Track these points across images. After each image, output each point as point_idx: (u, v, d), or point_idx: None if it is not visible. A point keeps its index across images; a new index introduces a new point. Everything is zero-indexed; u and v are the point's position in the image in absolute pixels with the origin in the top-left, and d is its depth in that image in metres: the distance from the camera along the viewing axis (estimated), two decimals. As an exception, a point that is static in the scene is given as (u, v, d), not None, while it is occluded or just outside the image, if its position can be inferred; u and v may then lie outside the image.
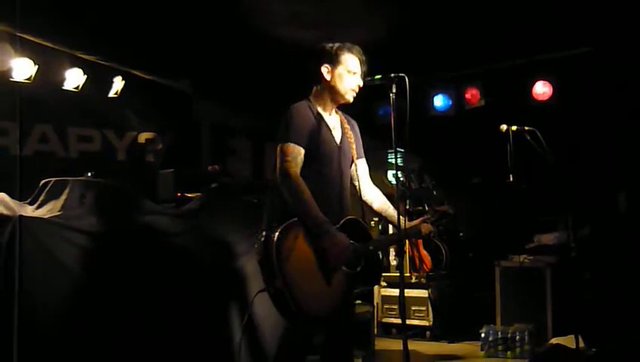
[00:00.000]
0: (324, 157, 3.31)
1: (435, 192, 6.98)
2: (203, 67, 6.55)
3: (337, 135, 3.43)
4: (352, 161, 3.49)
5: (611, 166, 6.18)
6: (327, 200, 3.24)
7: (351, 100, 3.41)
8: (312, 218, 3.10)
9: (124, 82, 6.65)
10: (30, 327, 3.51)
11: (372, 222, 6.48)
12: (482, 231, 6.92)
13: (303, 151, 3.22)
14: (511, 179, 4.41)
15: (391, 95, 3.20)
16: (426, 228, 3.59)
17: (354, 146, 3.49)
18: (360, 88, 3.40)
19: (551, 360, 4.77)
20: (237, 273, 4.33)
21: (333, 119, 3.45)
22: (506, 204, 6.53)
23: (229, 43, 5.97)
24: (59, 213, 3.97)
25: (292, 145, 3.20)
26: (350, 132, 3.50)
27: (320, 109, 3.39)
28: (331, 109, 3.45)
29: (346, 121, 3.53)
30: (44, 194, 4.20)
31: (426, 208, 6.83)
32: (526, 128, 4.29)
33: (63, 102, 6.50)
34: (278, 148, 3.22)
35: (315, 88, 3.43)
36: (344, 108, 3.52)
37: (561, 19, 5.47)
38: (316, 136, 3.29)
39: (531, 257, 6.00)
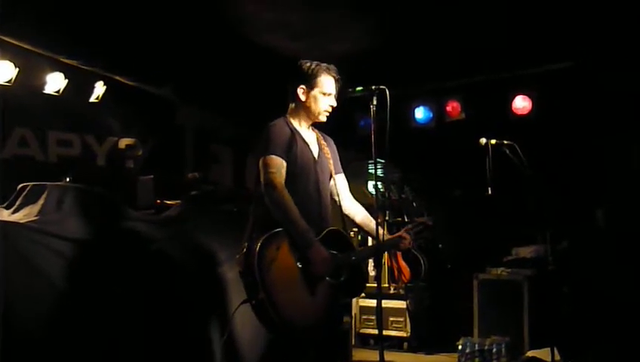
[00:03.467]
0: (302, 172, 3.37)
1: (414, 203, 7.01)
2: (186, 74, 6.53)
3: (314, 149, 3.50)
4: (331, 176, 3.55)
5: (590, 181, 6.24)
6: (307, 213, 3.26)
7: (324, 120, 3.51)
8: (298, 228, 3.13)
9: (105, 87, 6.62)
10: (5, 331, 3.47)
11: (352, 233, 6.48)
12: (461, 243, 6.95)
13: (284, 163, 3.28)
14: (489, 192, 4.44)
15: (371, 107, 3.25)
16: (407, 240, 3.62)
17: (331, 162, 3.56)
18: (333, 108, 3.48)
19: (527, 373, 4.80)
20: (217, 281, 4.31)
21: (309, 135, 3.53)
22: (485, 216, 6.57)
23: (213, 50, 5.97)
24: (35, 218, 3.93)
25: (275, 157, 3.26)
26: (327, 148, 3.59)
27: (296, 125, 3.47)
28: (307, 126, 3.54)
29: (322, 137, 3.62)
30: (21, 198, 4.15)
31: (406, 219, 6.86)
32: (505, 142, 4.33)
33: (44, 106, 6.44)
34: (261, 161, 3.27)
35: (290, 105, 3.50)
36: (321, 124, 3.57)
37: (541, 34, 5.53)
38: (294, 151, 3.35)
39: (509, 270, 6.03)
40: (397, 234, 3.64)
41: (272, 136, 3.31)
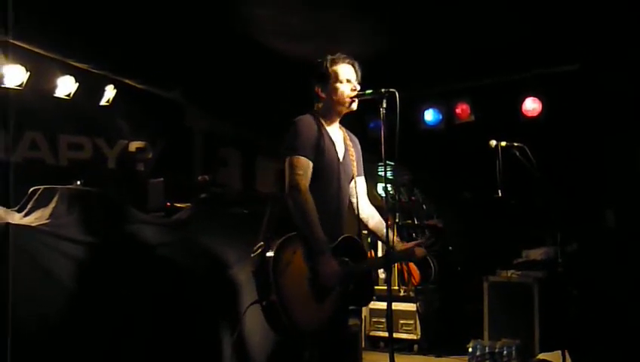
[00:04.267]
0: (325, 172, 3.31)
1: (424, 206, 7.01)
2: (195, 77, 6.56)
3: (340, 150, 3.44)
4: (352, 178, 3.50)
5: (600, 182, 6.22)
6: (326, 215, 3.23)
7: (354, 108, 3.41)
8: (314, 235, 3.10)
9: (115, 91, 6.65)
10: (16, 334, 3.49)
11: (362, 235, 6.48)
12: (471, 245, 6.93)
13: (311, 164, 3.23)
14: (500, 194, 4.43)
15: (381, 110, 3.22)
16: (419, 251, 3.58)
17: (355, 163, 3.50)
18: (357, 92, 3.38)
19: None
20: (227, 283, 4.31)
21: (336, 134, 3.46)
22: (494, 218, 6.55)
23: (222, 53, 5.99)
24: (47, 221, 3.94)
25: (302, 158, 3.20)
26: (352, 149, 3.51)
27: (324, 123, 3.40)
28: (335, 123, 3.46)
29: (348, 137, 3.55)
30: (32, 201, 4.18)
31: (416, 221, 6.86)
32: (515, 144, 4.32)
33: (54, 109, 6.49)
34: (287, 161, 3.21)
35: (317, 105, 3.45)
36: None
37: (551, 36, 5.52)
38: (320, 150, 3.29)
39: (519, 272, 6.02)
40: (409, 246, 3.58)
41: (301, 134, 3.24)
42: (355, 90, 3.37)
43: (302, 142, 3.22)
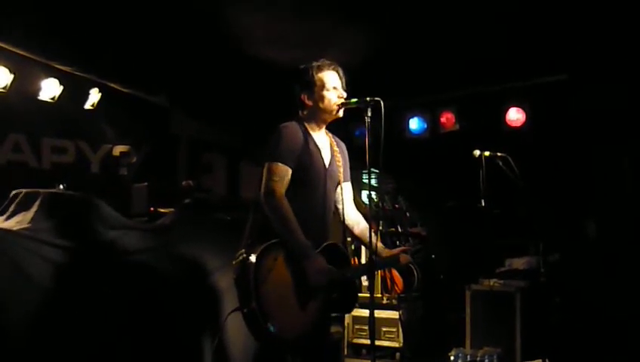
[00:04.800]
0: (311, 179, 3.32)
1: (408, 214, 7.02)
2: (181, 82, 6.55)
3: (326, 156, 3.44)
4: (338, 184, 3.50)
5: (582, 193, 6.27)
6: (311, 221, 3.24)
7: (340, 115, 3.42)
8: (295, 240, 3.10)
9: (100, 94, 6.62)
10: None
11: (347, 242, 6.48)
12: (454, 254, 6.95)
13: (290, 171, 3.23)
14: (483, 203, 4.46)
15: (366, 118, 3.23)
16: (404, 258, 3.59)
17: (341, 169, 3.50)
18: (343, 99, 3.38)
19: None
20: (209, 290, 4.30)
21: (323, 140, 3.47)
22: (478, 227, 6.58)
23: (207, 59, 5.98)
24: (28, 226, 3.91)
25: (280, 164, 3.21)
26: (339, 155, 3.52)
27: (309, 129, 3.40)
28: (321, 129, 3.47)
29: (335, 143, 3.55)
30: (14, 205, 4.14)
31: (399, 229, 6.87)
32: (499, 154, 4.35)
33: (38, 112, 6.44)
34: (266, 167, 3.22)
35: (301, 112, 3.45)
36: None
37: (536, 46, 5.57)
38: (305, 157, 3.30)
39: (502, 281, 6.04)
40: (393, 253, 3.59)
41: (283, 141, 3.24)
42: (341, 97, 3.37)
43: (283, 149, 3.23)
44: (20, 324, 3.62)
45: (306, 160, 3.30)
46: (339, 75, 3.42)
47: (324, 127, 3.49)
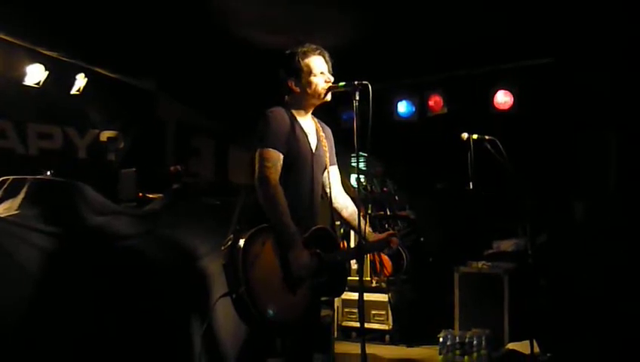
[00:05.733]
0: (298, 164, 3.31)
1: (396, 197, 7.05)
2: (168, 66, 6.51)
3: (313, 141, 3.43)
4: (325, 168, 3.50)
5: (570, 175, 6.31)
6: (299, 206, 3.24)
7: (328, 99, 3.40)
8: (284, 228, 3.09)
9: (86, 79, 6.56)
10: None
11: (335, 226, 6.50)
12: (442, 236, 7.00)
13: (282, 156, 3.21)
14: (471, 186, 4.48)
15: (354, 102, 3.23)
16: (394, 242, 3.60)
17: (327, 153, 3.49)
18: (329, 87, 3.37)
19: (506, 365, 4.86)
20: (198, 275, 4.30)
21: (309, 125, 3.45)
22: (466, 210, 6.62)
23: (194, 43, 5.95)
24: (16, 212, 3.89)
25: (272, 150, 3.19)
26: (325, 140, 3.50)
27: (296, 114, 3.39)
28: (307, 114, 3.45)
29: (321, 128, 3.53)
30: (1, 191, 4.11)
31: (388, 212, 6.90)
32: (486, 137, 4.36)
33: (24, 97, 6.38)
34: (257, 153, 3.20)
35: (287, 97, 3.43)
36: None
37: (524, 29, 5.58)
38: (292, 142, 3.28)
39: (490, 263, 6.09)
40: (382, 237, 3.60)
41: (271, 126, 3.23)
42: (328, 81, 3.36)
43: (272, 134, 3.21)
44: (8, 311, 3.60)
45: (293, 145, 3.29)
46: (325, 59, 3.40)
47: (311, 111, 3.48)
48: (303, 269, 3.12)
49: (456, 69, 6.59)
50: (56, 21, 5.51)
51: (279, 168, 3.20)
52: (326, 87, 3.36)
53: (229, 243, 3.09)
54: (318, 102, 3.42)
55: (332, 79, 3.37)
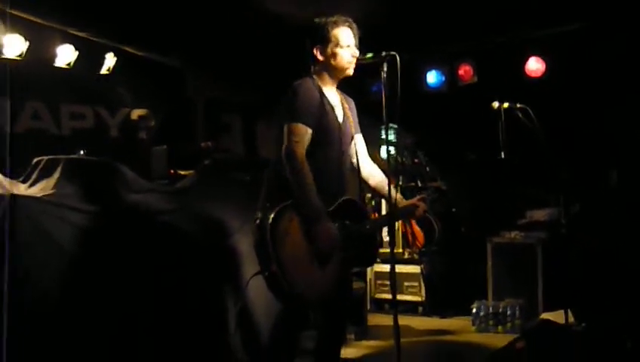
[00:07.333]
0: (327, 137, 3.30)
1: (427, 168, 7.00)
2: (196, 43, 6.51)
3: (339, 113, 3.42)
4: (352, 139, 3.49)
5: (603, 143, 6.20)
6: (328, 179, 3.24)
7: (351, 73, 3.38)
8: (309, 203, 3.09)
9: (116, 59, 6.61)
10: (26, 305, 3.53)
11: (366, 198, 6.50)
12: (474, 207, 6.94)
13: (310, 131, 3.20)
14: (503, 155, 4.42)
15: (382, 73, 3.20)
16: (422, 207, 3.58)
17: (352, 125, 3.48)
18: (357, 58, 3.35)
19: (540, 335, 4.83)
20: (230, 251, 4.34)
21: (334, 97, 3.43)
22: (498, 180, 6.55)
23: (222, 19, 5.94)
24: (52, 192, 3.95)
25: (300, 125, 3.17)
26: (349, 111, 3.49)
27: (322, 87, 3.37)
28: (332, 86, 3.43)
29: (345, 99, 3.52)
30: (36, 172, 4.18)
31: (419, 184, 6.86)
32: (518, 105, 4.29)
33: (55, 79, 6.46)
34: (286, 128, 3.18)
35: (313, 68, 3.41)
36: (338, 86, 3.50)
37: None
38: (321, 115, 3.27)
39: (523, 233, 6.05)
40: (411, 202, 3.57)
41: (300, 100, 3.20)
42: (355, 55, 3.34)
43: (300, 108, 3.20)
44: (47, 289, 3.69)
45: (322, 119, 3.27)
46: (353, 32, 3.37)
47: (336, 84, 3.46)
48: (329, 242, 3.13)
49: (486, 36, 6.48)
50: (85, 2, 5.54)
51: (306, 142, 3.18)
52: (351, 61, 3.34)
53: (258, 221, 3.11)
54: (340, 76, 3.40)
55: (357, 53, 3.34)
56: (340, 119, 3.40)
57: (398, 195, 3.55)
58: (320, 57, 3.35)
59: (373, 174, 3.57)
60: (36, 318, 3.59)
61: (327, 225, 3.13)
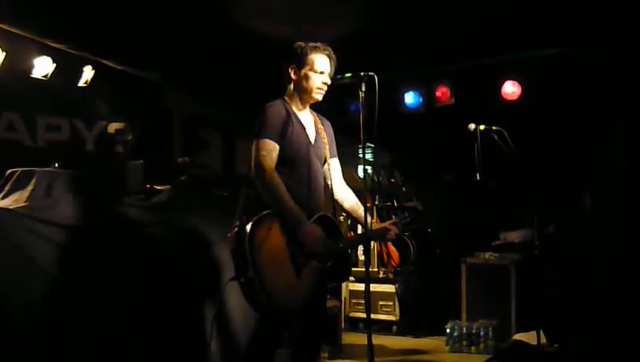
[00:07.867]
0: (296, 156, 3.37)
1: (404, 188, 7.06)
2: (175, 58, 6.50)
3: (311, 133, 3.48)
4: (325, 161, 3.55)
5: (578, 166, 6.29)
6: (298, 198, 3.27)
7: (319, 99, 3.46)
8: (288, 210, 3.16)
9: (94, 71, 6.57)
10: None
11: (341, 217, 6.52)
12: (450, 227, 6.99)
13: (277, 146, 3.28)
14: (478, 177, 4.47)
15: (360, 93, 3.25)
16: (393, 231, 3.63)
17: (327, 146, 3.55)
18: (328, 86, 3.44)
19: (513, 356, 4.86)
20: (207, 265, 4.32)
21: (306, 118, 3.51)
22: (473, 201, 6.61)
23: (201, 35, 5.94)
24: (25, 204, 3.91)
25: (267, 140, 3.26)
26: (324, 132, 3.56)
27: (294, 108, 3.45)
28: (304, 108, 3.51)
29: (319, 121, 3.59)
30: (9, 183, 4.13)
31: (395, 204, 6.91)
32: (494, 128, 4.35)
33: (32, 90, 6.38)
34: (254, 144, 3.27)
35: (288, 88, 3.48)
36: (317, 105, 3.55)
37: (532, 19, 5.55)
38: (289, 134, 3.34)
39: (497, 254, 6.09)
40: (384, 225, 3.65)
41: (268, 119, 3.30)
42: (325, 83, 3.42)
43: (268, 126, 3.29)
44: (19, 303, 3.61)
45: (290, 136, 3.35)
46: (331, 62, 3.45)
47: (308, 105, 3.53)
48: (315, 243, 3.18)
49: (464, 59, 6.56)
50: (63, 14, 5.51)
51: (274, 157, 3.27)
52: (322, 88, 3.42)
53: (235, 229, 3.13)
54: (309, 100, 3.48)
55: (329, 82, 3.43)
56: (312, 138, 3.46)
57: (375, 219, 3.61)
58: (293, 77, 3.44)
59: (347, 198, 3.65)
60: (6, 331, 3.52)
61: (310, 226, 3.20)
